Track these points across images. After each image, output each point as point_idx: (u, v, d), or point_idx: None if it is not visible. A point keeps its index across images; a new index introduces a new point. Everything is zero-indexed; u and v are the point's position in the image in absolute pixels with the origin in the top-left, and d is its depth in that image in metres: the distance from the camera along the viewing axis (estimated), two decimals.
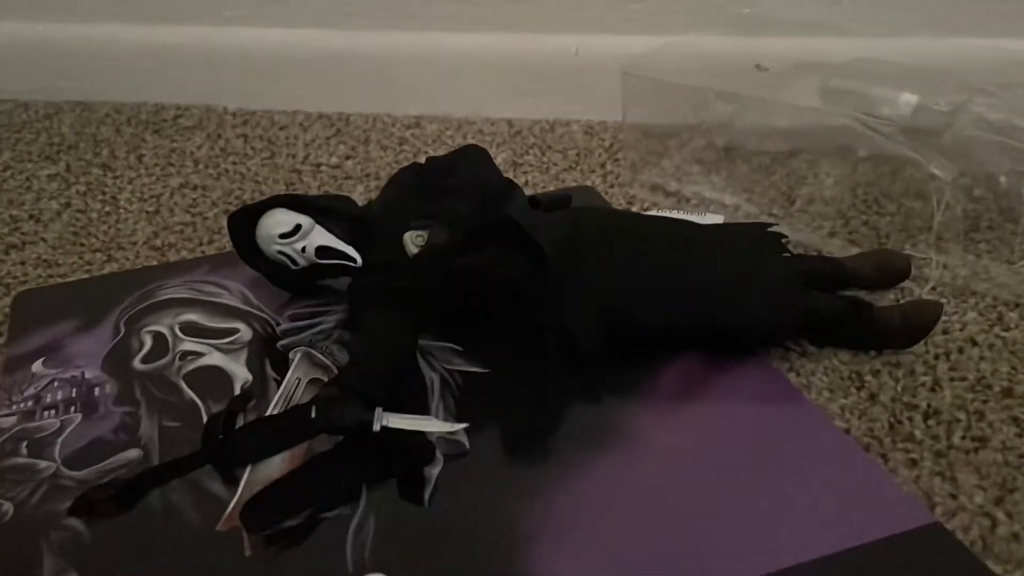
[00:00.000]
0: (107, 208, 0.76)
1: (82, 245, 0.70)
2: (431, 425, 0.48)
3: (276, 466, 0.47)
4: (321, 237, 0.55)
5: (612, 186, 0.76)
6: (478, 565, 0.41)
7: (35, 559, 0.43)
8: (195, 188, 0.78)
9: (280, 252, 0.56)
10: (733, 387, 0.51)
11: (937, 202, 0.63)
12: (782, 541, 0.42)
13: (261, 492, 0.45)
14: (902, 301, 0.58)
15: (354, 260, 0.55)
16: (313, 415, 0.46)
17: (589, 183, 0.76)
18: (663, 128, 0.78)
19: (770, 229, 0.57)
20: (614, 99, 0.74)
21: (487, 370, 0.54)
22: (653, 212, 0.70)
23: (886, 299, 0.59)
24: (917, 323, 0.54)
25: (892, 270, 0.59)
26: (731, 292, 0.53)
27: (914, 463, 0.46)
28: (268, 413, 0.51)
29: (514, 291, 0.53)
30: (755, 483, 0.45)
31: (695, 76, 0.69)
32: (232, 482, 0.46)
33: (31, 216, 0.75)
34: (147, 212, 0.75)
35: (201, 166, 0.82)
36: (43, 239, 0.71)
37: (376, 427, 0.46)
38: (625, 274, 0.53)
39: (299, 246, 0.55)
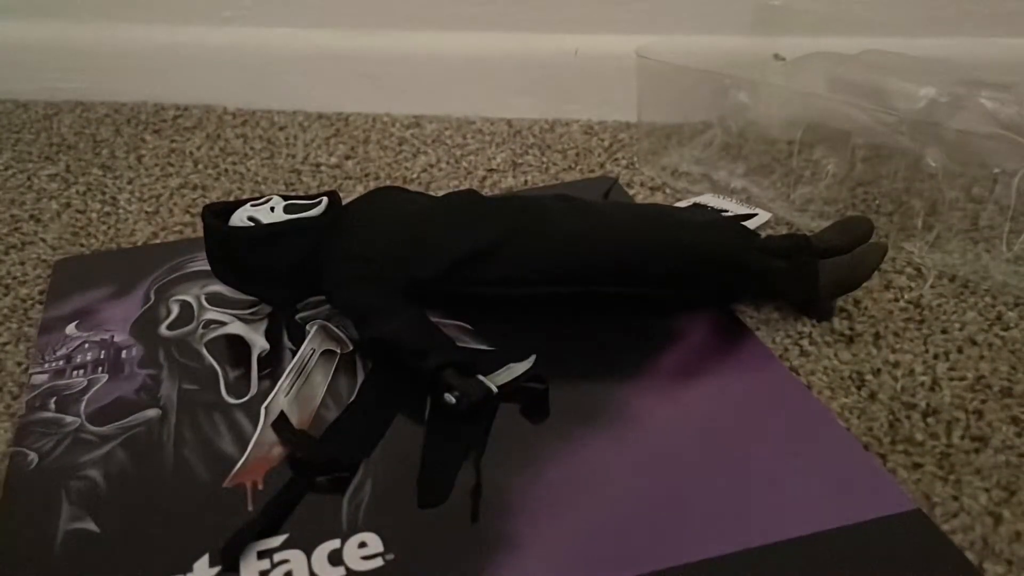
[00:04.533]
0: (107, 208, 0.76)
1: (82, 245, 0.70)
2: (518, 368, 0.52)
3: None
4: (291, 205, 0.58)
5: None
6: (465, 530, 0.43)
7: (54, 506, 0.46)
8: (195, 188, 0.78)
9: (249, 218, 0.57)
10: (730, 371, 0.53)
11: (937, 196, 0.63)
12: (764, 519, 0.43)
13: (330, 430, 0.49)
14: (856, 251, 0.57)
15: (319, 202, 0.58)
16: (455, 399, 0.49)
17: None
18: (677, 113, 0.79)
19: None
20: (613, 99, 0.74)
21: (493, 348, 0.55)
22: (699, 198, 0.70)
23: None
24: (863, 264, 0.55)
25: (857, 232, 0.58)
26: (678, 231, 0.57)
27: (914, 464, 0.46)
28: (355, 395, 0.52)
29: None
30: (743, 463, 0.46)
31: (706, 64, 0.70)
32: (242, 443, 0.49)
33: (31, 216, 0.75)
34: (147, 212, 0.75)
35: (201, 166, 0.82)
36: (43, 239, 0.71)
37: (495, 389, 0.50)
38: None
39: (269, 207, 0.57)
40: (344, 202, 0.60)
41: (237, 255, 0.57)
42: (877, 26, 0.75)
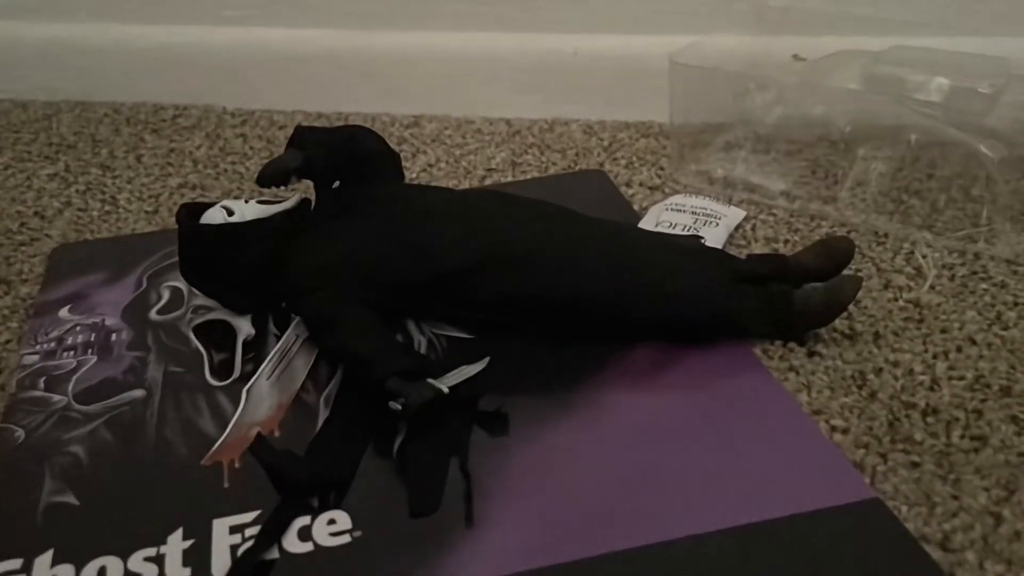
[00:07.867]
0: (107, 207, 0.76)
1: (86, 241, 0.70)
2: (470, 370, 0.52)
3: (265, 411, 0.51)
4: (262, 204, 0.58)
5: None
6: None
7: (37, 479, 0.47)
8: (194, 188, 0.78)
9: (223, 206, 0.57)
10: (703, 363, 0.54)
11: (987, 181, 0.64)
12: (725, 504, 0.44)
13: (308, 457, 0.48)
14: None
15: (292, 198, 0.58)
16: (400, 406, 0.48)
17: None
18: (709, 116, 0.79)
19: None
20: (613, 99, 0.74)
21: (472, 336, 0.56)
22: (673, 199, 0.70)
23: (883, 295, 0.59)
24: (838, 300, 0.54)
25: (837, 252, 0.56)
26: (656, 277, 0.54)
27: (913, 463, 0.47)
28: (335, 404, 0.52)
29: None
30: (705, 450, 0.47)
31: (718, 65, 0.70)
32: (222, 423, 0.51)
33: (36, 213, 0.75)
34: (146, 212, 0.75)
35: (200, 166, 0.82)
36: (48, 235, 0.71)
37: (446, 390, 0.49)
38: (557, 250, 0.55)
39: (243, 200, 0.58)
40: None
41: (203, 252, 0.57)
42: (878, 25, 0.75)
